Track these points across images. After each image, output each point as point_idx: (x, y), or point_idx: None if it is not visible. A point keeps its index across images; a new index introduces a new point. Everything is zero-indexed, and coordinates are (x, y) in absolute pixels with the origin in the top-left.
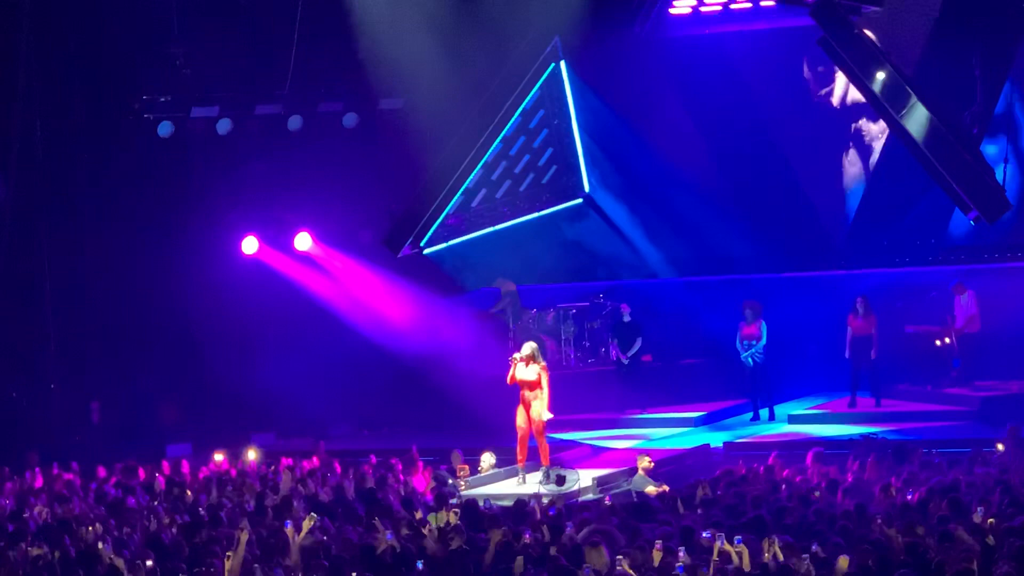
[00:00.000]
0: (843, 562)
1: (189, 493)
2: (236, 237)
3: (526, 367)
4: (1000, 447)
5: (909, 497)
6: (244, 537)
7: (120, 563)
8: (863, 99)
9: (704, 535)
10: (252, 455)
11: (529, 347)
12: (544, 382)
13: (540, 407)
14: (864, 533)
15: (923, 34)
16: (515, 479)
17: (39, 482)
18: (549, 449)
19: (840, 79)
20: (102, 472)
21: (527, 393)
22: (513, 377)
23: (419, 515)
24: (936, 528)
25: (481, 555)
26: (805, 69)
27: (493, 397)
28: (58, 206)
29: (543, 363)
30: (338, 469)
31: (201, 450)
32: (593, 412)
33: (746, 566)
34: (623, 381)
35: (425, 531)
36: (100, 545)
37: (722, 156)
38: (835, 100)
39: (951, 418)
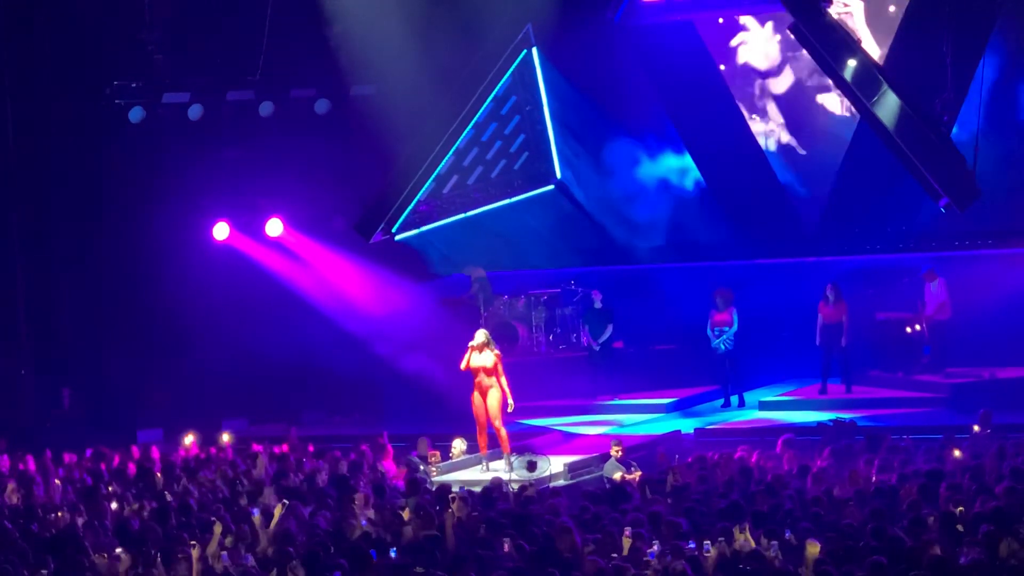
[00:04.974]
0: (812, 547)
1: (160, 476)
2: (208, 223)
3: (479, 354)
4: (976, 428)
5: (880, 482)
6: (218, 530)
7: (90, 549)
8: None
9: (690, 544)
10: (226, 438)
11: (482, 334)
12: (500, 368)
13: (497, 395)
14: (835, 519)
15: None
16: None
17: (6, 467)
18: (520, 435)
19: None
20: (71, 458)
21: (484, 379)
22: (468, 363)
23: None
24: (906, 514)
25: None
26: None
27: (464, 384)
28: (30, 192)
29: (496, 351)
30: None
31: (172, 436)
32: (564, 399)
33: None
34: (594, 367)
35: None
36: (71, 531)
37: (694, 143)
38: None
39: (922, 405)
